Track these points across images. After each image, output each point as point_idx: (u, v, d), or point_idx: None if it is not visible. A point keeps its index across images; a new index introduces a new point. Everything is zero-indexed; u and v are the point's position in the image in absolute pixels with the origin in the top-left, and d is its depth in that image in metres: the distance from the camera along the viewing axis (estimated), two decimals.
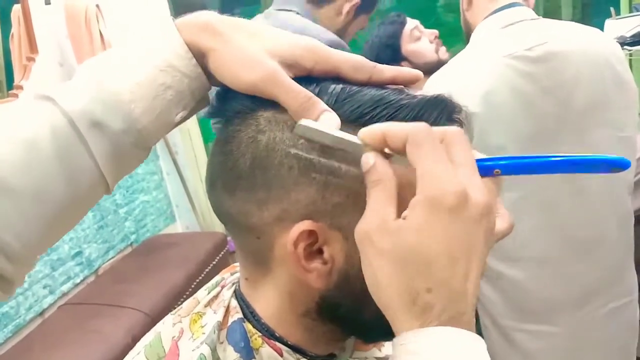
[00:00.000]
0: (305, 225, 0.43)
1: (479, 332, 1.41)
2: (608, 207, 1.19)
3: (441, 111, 0.44)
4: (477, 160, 0.39)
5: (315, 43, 0.45)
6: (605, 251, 1.21)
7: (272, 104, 0.44)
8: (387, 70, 0.47)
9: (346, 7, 1.43)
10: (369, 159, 0.40)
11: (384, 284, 0.37)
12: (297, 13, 1.37)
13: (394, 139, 0.39)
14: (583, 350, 1.25)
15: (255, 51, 0.43)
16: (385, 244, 0.37)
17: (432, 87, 1.17)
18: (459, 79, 1.15)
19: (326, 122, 0.42)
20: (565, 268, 1.20)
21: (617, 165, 0.38)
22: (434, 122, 0.44)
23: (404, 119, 0.43)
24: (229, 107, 0.47)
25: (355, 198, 0.43)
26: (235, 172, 0.46)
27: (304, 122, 0.41)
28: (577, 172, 0.40)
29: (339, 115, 0.43)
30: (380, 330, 0.49)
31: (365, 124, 0.41)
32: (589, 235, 1.19)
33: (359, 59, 0.46)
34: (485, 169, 0.40)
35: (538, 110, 1.11)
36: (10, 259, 0.42)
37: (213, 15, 0.45)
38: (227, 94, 0.46)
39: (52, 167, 0.42)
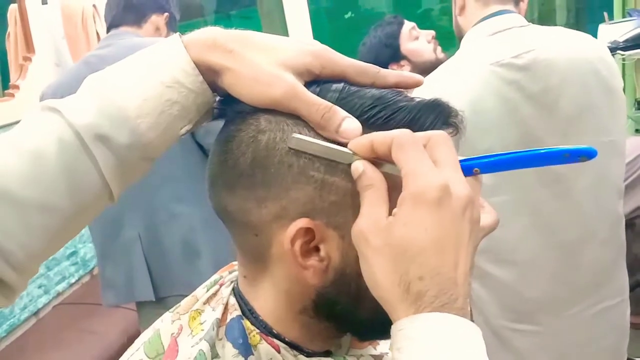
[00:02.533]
0: (302, 222, 0.45)
1: None
2: (595, 209, 1.21)
3: (437, 115, 0.46)
4: (459, 161, 0.42)
5: (321, 49, 0.47)
6: (594, 253, 1.22)
7: None
8: (391, 75, 0.48)
9: (160, 22, 1.64)
10: (358, 166, 0.43)
11: (380, 278, 0.40)
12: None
13: (380, 145, 0.42)
14: (573, 350, 1.27)
15: (270, 67, 0.44)
16: (378, 241, 0.40)
17: (422, 92, 1.18)
18: (447, 86, 1.16)
19: (349, 127, 0.43)
20: (555, 270, 1.22)
21: (584, 154, 0.41)
22: (430, 125, 0.45)
23: (402, 121, 0.45)
24: (230, 108, 0.48)
25: (351, 197, 0.44)
26: (236, 170, 0.47)
27: (296, 135, 0.44)
28: (549, 164, 0.43)
29: None
30: (375, 329, 0.50)
31: (363, 123, 0.44)
32: (576, 237, 1.21)
33: (363, 64, 0.48)
34: (466, 168, 0.43)
35: (523, 117, 1.13)
36: (13, 268, 0.43)
37: (219, 32, 0.46)
38: (228, 94, 0.47)
39: (58, 178, 0.43)
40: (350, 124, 0.44)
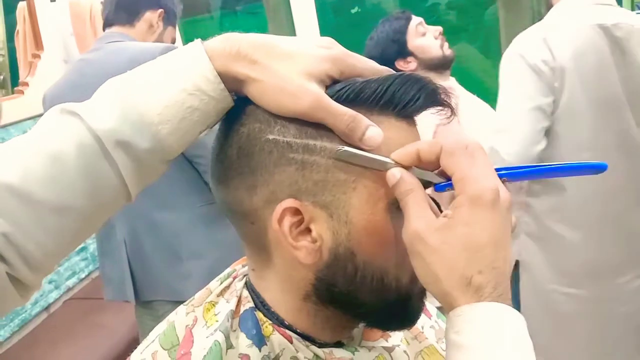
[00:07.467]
0: (288, 202, 0.46)
1: (516, 293, 1.37)
2: None
3: (420, 89, 0.47)
4: None
5: (338, 54, 0.47)
6: None
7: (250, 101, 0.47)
8: None
9: (154, 19, 1.59)
10: (394, 173, 0.45)
11: (440, 273, 0.42)
12: (120, 41, 1.52)
13: (427, 153, 0.45)
14: (614, 321, 1.36)
15: (295, 78, 0.45)
16: (436, 240, 0.43)
17: (527, 35, 1.37)
18: (553, 34, 1.33)
19: (372, 135, 0.45)
20: (611, 234, 1.33)
21: (598, 168, 0.46)
22: (412, 100, 0.47)
23: (373, 94, 0.46)
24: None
25: (334, 174, 0.46)
26: (226, 163, 0.49)
27: (345, 148, 0.45)
28: (566, 175, 0.48)
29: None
30: (382, 314, 0.51)
31: (337, 102, 0.45)
32: (635, 201, 1.34)
33: (380, 68, 0.49)
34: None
35: (612, 80, 1.30)
36: (30, 267, 0.45)
37: (241, 40, 0.47)
38: None
39: (76, 181, 0.44)
40: (372, 132, 0.45)
